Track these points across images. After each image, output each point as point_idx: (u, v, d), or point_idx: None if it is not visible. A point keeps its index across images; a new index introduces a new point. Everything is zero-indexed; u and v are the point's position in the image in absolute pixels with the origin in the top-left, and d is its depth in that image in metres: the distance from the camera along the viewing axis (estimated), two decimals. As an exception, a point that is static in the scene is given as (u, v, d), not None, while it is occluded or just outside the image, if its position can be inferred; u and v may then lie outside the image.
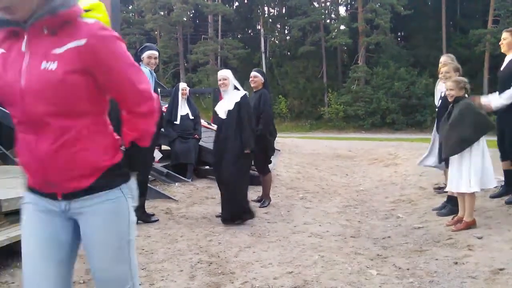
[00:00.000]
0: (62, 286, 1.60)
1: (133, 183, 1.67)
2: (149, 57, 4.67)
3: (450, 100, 4.39)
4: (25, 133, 1.50)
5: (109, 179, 1.57)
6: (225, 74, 4.88)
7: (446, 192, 4.98)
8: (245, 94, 4.90)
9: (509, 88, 4.74)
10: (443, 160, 4.76)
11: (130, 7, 40.52)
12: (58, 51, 1.44)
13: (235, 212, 4.72)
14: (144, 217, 4.53)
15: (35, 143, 1.48)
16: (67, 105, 1.46)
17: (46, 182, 1.53)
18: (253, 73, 5.72)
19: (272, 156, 5.90)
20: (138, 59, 4.84)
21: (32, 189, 1.59)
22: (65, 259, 1.62)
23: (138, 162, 1.70)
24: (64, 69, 1.42)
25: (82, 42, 1.44)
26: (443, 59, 5.58)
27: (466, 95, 4.39)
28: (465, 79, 4.42)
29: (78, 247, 1.68)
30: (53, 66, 1.42)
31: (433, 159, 5.59)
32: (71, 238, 1.63)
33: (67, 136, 1.47)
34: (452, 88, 4.33)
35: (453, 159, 4.33)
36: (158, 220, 4.65)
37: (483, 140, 4.23)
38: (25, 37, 1.46)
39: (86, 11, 1.74)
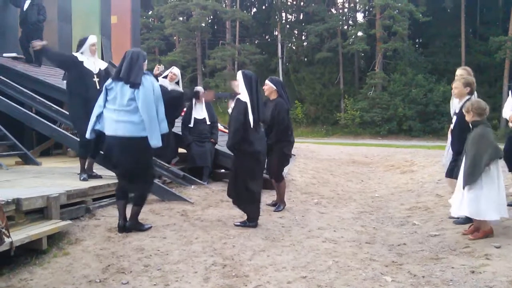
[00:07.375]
0: None
1: None
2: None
3: (468, 121, 4.27)
4: None
5: None
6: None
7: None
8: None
9: None
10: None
11: (150, 13, 41.09)
12: None
13: None
14: (138, 226, 4.38)
15: None
16: None
17: None
18: (266, 81, 5.73)
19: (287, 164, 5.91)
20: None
21: None
22: None
23: None
24: None
25: None
26: (458, 72, 5.46)
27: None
28: (483, 105, 4.18)
29: None
30: None
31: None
32: None
33: None
34: (467, 111, 4.22)
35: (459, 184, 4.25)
36: (151, 227, 4.47)
37: (495, 168, 4.10)
38: None
39: None
